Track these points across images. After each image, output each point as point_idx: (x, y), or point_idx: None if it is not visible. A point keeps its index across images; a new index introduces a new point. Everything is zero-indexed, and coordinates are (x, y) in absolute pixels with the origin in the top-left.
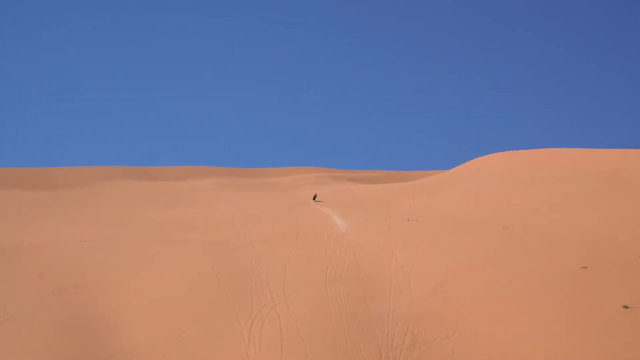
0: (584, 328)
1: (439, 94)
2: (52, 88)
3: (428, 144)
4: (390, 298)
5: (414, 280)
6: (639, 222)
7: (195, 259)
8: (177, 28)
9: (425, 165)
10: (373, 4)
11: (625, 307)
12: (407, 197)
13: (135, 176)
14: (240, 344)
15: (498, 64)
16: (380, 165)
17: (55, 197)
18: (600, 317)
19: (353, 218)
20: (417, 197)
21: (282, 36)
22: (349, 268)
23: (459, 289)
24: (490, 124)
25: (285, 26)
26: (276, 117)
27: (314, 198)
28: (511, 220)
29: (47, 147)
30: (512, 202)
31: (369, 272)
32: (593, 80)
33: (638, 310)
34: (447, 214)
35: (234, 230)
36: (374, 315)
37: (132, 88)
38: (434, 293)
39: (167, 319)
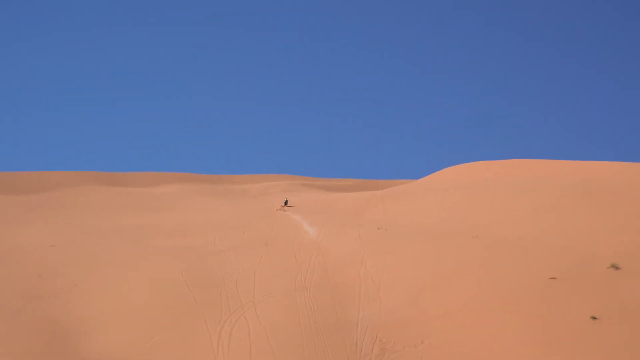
0: (552, 338)
1: (410, 103)
2: (22, 91)
3: (398, 153)
4: (359, 306)
5: (383, 288)
6: (609, 234)
7: (164, 265)
8: (147, 32)
9: (395, 175)
10: (342, 12)
11: (594, 318)
12: (377, 205)
13: (104, 182)
14: (209, 350)
15: (468, 74)
16: (350, 174)
17: (22, 201)
18: (569, 327)
19: (323, 226)
20: (387, 206)
21: (253, 41)
22: (318, 276)
23: (428, 298)
24: (460, 134)
25: (256, 31)
26: (246, 123)
27: (285, 203)
28: (480, 230)
29: (15, 152)
30: (482, 212)
31: (338, 280)
32: (566, 90)
33: (606, 321)
34: (416, 223)
35: (203, 236)
36: (343, 324)
37: (102, 93)
38: (403, 302)
39: (136, 324)
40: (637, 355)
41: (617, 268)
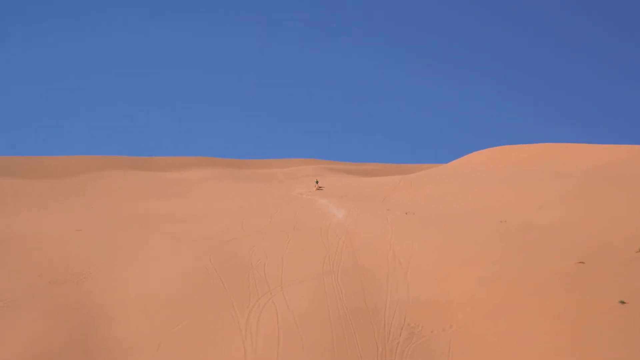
0: (580, 323)
1: (437, 88)
2: (48, 77)
3: (426, 137)
4: (387, 291)
5: (411, 273)
6: (636, 218)
7: (191, 251)
8: (177, 21)
9: (423, 159)
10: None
11: (622, 302)
12: (405, 190)
13: (130, 166)
14: (237, 335)
15: (495, 59)
16: (378, 158)
17: (48, 186)
18: (597, 312)
19: (350, 210)
20: (414, 190)
21: (279, 29)
22: (346, 260)
23: (455, 283)
24: (488, 118)
25: (283, 20)
26: (274, 109)
27: (317, 183)
28: (508, 215)
29: (40, 136)
30: (509, 197)
31: (366, 265)
32: (589, 76)
33: (635, 305)
34: (444, 207)
35: (230, 222)
36: (371, 308)
37: (128, 78)
38: (431, 286)
39: (163, 310)
40: None
41: None
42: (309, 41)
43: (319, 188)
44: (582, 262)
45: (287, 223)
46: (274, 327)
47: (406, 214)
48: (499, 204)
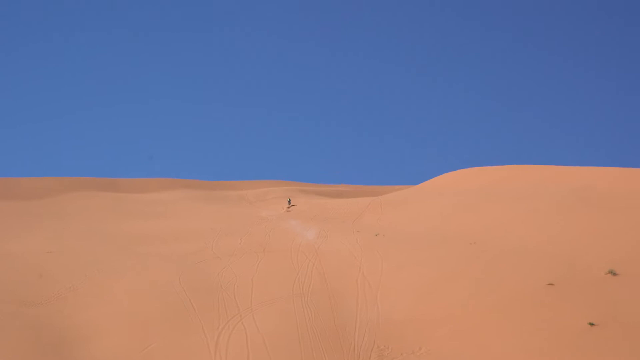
0: (551, 344)
1: (408, 109)
2: (17, 96)
3: (396, 159)
4: (357, 312)
5: (381, 294)
6: (606, 240)
7: (162, 272)
8: (150, 37)
9: (392, 181)
10: (340, 17)
11: (592, 324)
12: (375, 211)
13: (100, 188)
14: (207, 357)
15: (466, 80)
16: (348, 180)
17: (19, 207)
18: (567, 333)
19: (320, 232)
20: (385, 211)
21: (250, 46)
22: (316, 282)
23: (426, 305)
24: (458, 140)
25: (251, 34)
26: (243, 130)
27: (289, 202)
28: (478, 236)
29: (11, 157)
30: (480, 218)
31: (335, 286)
32: (564, 95)
33: (604, 327)
34: (414, 229)
35: (200, 243)
36: (341, 330)
37: (100, 97)
38: (401, 308)
39: (133, 331)
40: None
41: (614, 274)
42: (280, 57)
43: (290, 207)
44: (552, 284)
45: (257, 244)
46: (244, 348)
47: (376, 235)
48: (469, 226)
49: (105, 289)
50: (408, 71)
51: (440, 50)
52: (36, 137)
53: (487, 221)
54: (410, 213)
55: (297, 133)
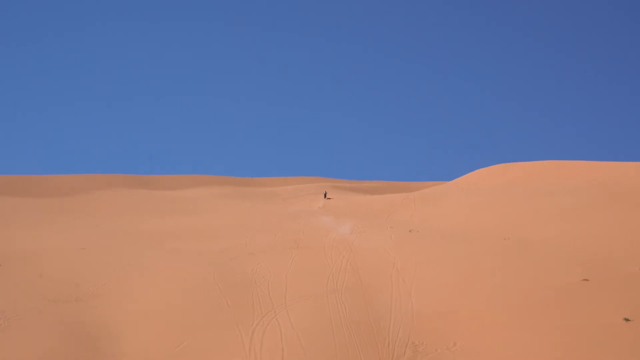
0: (585, 340)
1: (441, 104)
2: (47, 94)
3: (429, 154)
4: (391, 308)
5: (415, 290)
6: (637, 234)
7: (195, 268)
8: (179, 33)
9: (426, 176)
10: (372, 15)
11: (627, 319)
12: (409, 207)
13: (133, 185)
14: (241, 353)
15: (500, 75)
16: (381, 176)
17: (51, 205)
18: (601, 329)
19: (354, 228)
20: (418, 207)
21: (282, 44)
22: (350, 278)
23: (460, 300)
24: (492, 136)
25: (286, 33)
26: (277, 126)
27: (325, 196)
28: (510, 232)
29: (42, 154)
30: (513, 214)
31: (370, 283)
32: (593, 92)
33: (639, 322)
34: (448, 225)
35: (234, 239)
36: (375, 325)
37: (130, 95)
38: (435, 304)
39: (166, 328)
40: None
41: None
42: (313, 57)
43: (326, 199)
44: (586, 280)
45: (290, 240)
46: (278, 344)
47: (410, 231)
48: (501, 221)
49: (137, 286)
50: (441, 69)
51: (468, 49)
52: (67, 134)
53: (519, 217)
54: (443, 209)
55: (330, 129)
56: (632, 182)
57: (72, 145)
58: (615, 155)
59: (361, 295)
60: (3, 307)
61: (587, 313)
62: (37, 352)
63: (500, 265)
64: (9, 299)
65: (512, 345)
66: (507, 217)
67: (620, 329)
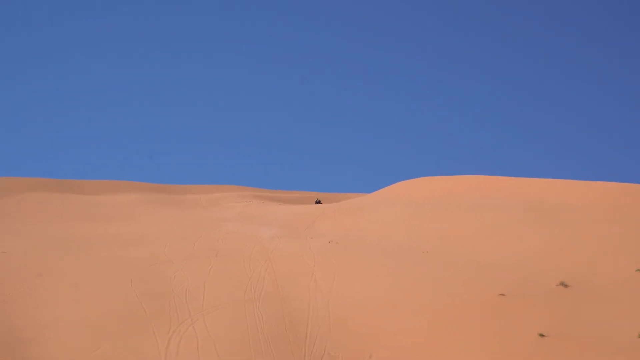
0: (500, 355)
1: (362, 117)
2: None
3: (351, 166)
4: (308, 319)
5: (333, 301)
6: (559, 252)
7: (113, 274)
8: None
9: (347, 188)
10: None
11: (542, 335)
12: (329, 218)
13: (56, 189)
14: None
15: (426, 86)
16: (303, 186)
17: None
18: (517, 344)
19: (274, 238)
20: (338, 219)
21: (196, 50)
22: (268, 288)
23: (378, 313)
24: (414, 148)
25: (201, 43)
26: (201, 133)
27: (317, 202)
28: (431, 246)
29: None
30: (433, 228)
31: (288, 292)
32: (521, 107)
33: (554, 338)
34: (368, 237)
35: (153, 246)
36: (292, 336)
37: (54, 95)
38: (352, 315)
39: (82, 334)
40: None
41: (565, 286)
42: (230, 62)
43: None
44: (503, 295)
45: (210, 249)
46: (194, 353)
47: (329, 242)
48: (421, 235)
49: (57, 292)
50: (363, 76)
51: (398, 55)
52: None
53: (439, 231)
54: (364, 221)
55: (252, 139)
56: (557, 199)
57: None
58: (542, 172)
59: (279, 305)
60: None
61: (504, 328)
62: None
63: (419, 278)
64: None
65: (428, 357)
66: (428, 231)
67: (535, 344)
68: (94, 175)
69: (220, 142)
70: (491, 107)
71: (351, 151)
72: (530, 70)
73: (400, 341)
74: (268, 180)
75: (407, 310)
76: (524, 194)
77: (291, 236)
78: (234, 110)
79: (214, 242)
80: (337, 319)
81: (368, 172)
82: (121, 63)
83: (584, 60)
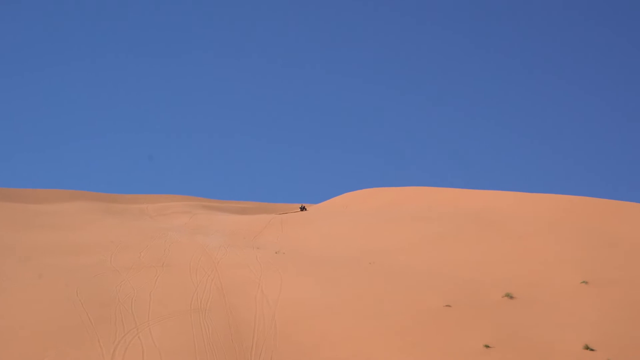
0: None
1: (310, 127)
2: None
3: (298, 176)
4: (254, 330)
5: (279, 312)
6: (504, 263)
7: (58, 284)
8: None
9: (294, 198)
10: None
11: (487, 346)
12: (276, 229)
13: None
14: None
15: (376, 99)
16: (250, 197)
17: None
18: (462, 355)
19: (220, 248)
20: (285, 229)
21: (139, 63)
22: (214, 298)
23: (324, 323)
24: (361, 160)
25: (140, 56)
26: (149, 143)
27: (302, 209)
28: (377, 257)
29: None
30: (379, 239)
31: (234, 303)
32: (470, 120)
33: (499, 349)
34: (314, 247)
35: (99, 256)
36: (238, 347)
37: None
38: (297, 326)
39: (26, 344)
40: None
41: (511, 297)
42: (176, 71)
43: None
44: (449, 306)
45: (156, 259)
46: None
47: (276, 253)
48: (367, 246)
49: (1, 301)
50: (312, 84)
51: (344, 60)
52: None
53: (385, 242)
54: (310, 231)
55: (199, 148)
56: (504, 211)
57: None
58: (492, 184)
59: (225, 315)
60: None
61: (448, 339)
62: None
63: (365, 289)
64: None
65: None
66: (374, 242)
67: (481, 355)
68: (37, 185)
69: (167, 151)
70: (435, 120)
71: (298, 161)
72: (481, 81)
73: (345, 352)
74: (215, 190)
75: (351, 321)
76: (466, 205)
77: (238, 246)
78: (180, 120)
79: (161, 252)
80: (283, 330)
81: (315, 183)
82: (60, 70)
83: (532, 76)
